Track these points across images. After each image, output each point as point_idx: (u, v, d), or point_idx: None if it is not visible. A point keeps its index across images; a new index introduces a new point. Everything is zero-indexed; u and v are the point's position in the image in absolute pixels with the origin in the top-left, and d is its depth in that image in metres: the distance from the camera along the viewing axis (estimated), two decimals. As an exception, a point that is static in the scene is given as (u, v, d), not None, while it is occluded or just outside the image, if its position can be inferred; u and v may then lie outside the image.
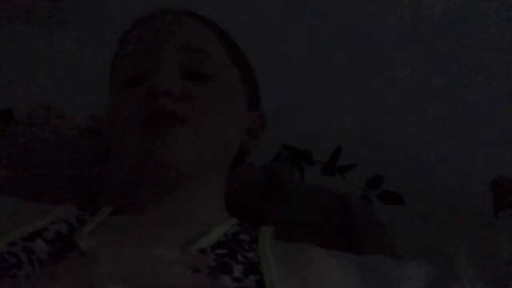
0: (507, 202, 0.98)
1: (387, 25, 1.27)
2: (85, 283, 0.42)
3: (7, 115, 1.07)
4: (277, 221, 0.69)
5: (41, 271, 0.52)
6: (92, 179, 0.82)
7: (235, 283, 0.51)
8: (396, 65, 1.25)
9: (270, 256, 0.58)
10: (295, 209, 0.79)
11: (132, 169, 0.66)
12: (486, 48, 1.23)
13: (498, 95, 1.21)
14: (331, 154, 1.10)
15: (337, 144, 1.11)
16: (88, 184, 0.82)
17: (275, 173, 0.83)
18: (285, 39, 1.25)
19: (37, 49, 1.24)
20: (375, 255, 0.69)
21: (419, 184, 1.12)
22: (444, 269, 0.65)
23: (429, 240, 0.99)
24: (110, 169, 0.83)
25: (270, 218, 0.70)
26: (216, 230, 0.61)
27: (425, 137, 1.20)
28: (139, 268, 0.45)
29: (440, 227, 1.05)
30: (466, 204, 1.10)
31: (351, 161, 1.10)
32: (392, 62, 1.25)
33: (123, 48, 0.69)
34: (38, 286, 0.44)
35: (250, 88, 0.72)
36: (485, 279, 0.65)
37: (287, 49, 1.25)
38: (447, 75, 1.25)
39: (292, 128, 1.16)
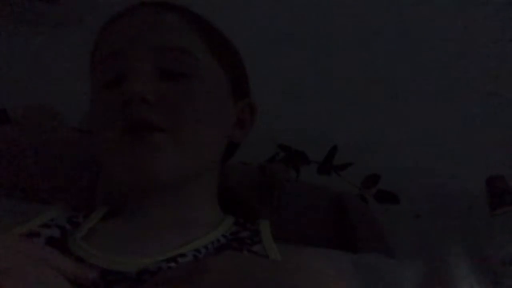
0: (503, 201, 0.98)
1: (387, 26, 1.27)
2: None
3: (2, 116, 1.06)
4: (272, 220, 0.69)
5: None
6: (88, 180, 0.82)
7: None
8: (395, 66, 1.26)
9: (275, 248, 0.58)
10: (291, 208, 0.79)
11: (116, 177, 0.65)
12: (486, 52, 1.24)
13: (495, 95, 1.22)
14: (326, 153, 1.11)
15: (334, 144, 1.12)
16: (84, 185, 0.82)
17: (271, 172, 0.82)
18: (284, 39, 1.25)
19: (34, 49, 1.24)
20: (371, 253, 0.69)
21: (415, 183, 1.13)
22: (439, 267, 0.65)
23: (425, 239, 0.99)
24: (104, 171, 0.82)
25: (266, 216, 0.70)
26: (214, 232, 0.61)
27: (421, 137, 1.21)
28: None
29: (436, 226, 1.05)
30: (462, 203, 1.10)
31: (347, 161, 1.10)
32: (392, 63, 1.26)
33: (98, 48, 0.67)
34: None
35: (236, 78, 0.69)
36: (480, 278, 0.65)
37: (286, 49, 1.25)
38: (445, 76, 1.26)
39: (289, 128, 1.17)
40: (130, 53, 0.61)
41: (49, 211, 0.63)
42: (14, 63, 1.21)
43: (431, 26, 1.27)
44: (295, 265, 0.49)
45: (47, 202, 0.69)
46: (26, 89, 1.18)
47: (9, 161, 0.82)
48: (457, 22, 1.26)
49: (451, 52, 1.25)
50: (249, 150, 0.74)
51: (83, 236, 0.58)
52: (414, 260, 0.67)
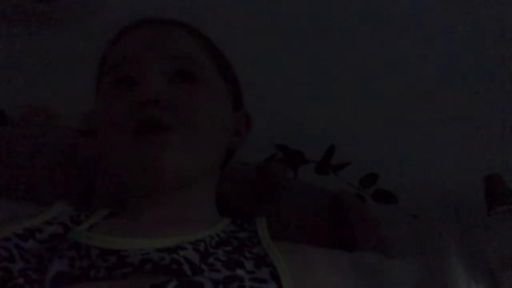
0: (500, 200, 0.98)
1: (386, 25, 1.27)
2: None
3: (0, 117, 1.06)
4: (270, 219, 0.69)
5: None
6: (87, 181, 0.82)
7: (249, 275, 0.52)
8: (394, 65, 1.26)
9: (275, 248, 0.59)
10: (289, 207, 0.79)
11: (121, 176, 0.66)
12: (487, 53, 1.24)
13: (494, 95, 1.22)
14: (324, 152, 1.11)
15: (332, 143, 1.12)
16: (83, 186, 0.82)
17: (268, 172, 0.83)
18: (285, 38, 1.25)
19: (34, 49, 1.24)
20: (369, 252, 0.70)
21: (413, 183, 1.13)
22: (437, 266, 0.66)
23: (422, 238, 1.00)
24: (104, 171, 0.83)
25: (264, 216, 0.70)
26: (214, 228, 0.62)
27: (420, 137, 1.21)
28: None
29: (433, 225, 1.05)
30: (459, 202, 1.10)
31: (345, 160, 1.10)
32: (391, 62, 1.26)
33: (108, 59, 0.69)
34: None
35: (234, 91, 0.74)
36: (478, 277, 0.65)
37: (286, 49, 1.25)
38: (444, 75, 1.26)
39: (287, 128, 1.17)
40: (142, 58, 0.64)
41: (52, 209, 0.63)
42: (14, 63, 1.21)
43: (431, 27, 1.27)
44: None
45: (47, 202, 0.70)
46: (26, 89, 1.18)
47: (9, 161, 0.83)
48: (459, 23, 1.27)
49: (451, 53, 1.25)
50: (247, 150, 0.75)
51: (85, 229, 0.59)
52: (412, 259, 0.67)
